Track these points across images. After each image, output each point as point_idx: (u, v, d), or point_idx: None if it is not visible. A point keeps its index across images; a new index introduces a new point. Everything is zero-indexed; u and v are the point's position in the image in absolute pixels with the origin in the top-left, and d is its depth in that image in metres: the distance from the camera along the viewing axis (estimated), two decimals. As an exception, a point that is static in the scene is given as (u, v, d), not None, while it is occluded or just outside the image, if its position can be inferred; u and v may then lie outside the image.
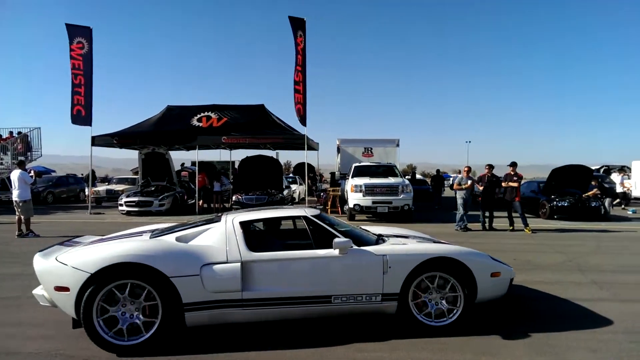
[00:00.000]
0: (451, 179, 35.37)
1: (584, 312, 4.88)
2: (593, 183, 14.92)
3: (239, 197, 15.94)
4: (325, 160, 28.46)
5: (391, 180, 14.02)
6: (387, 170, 15.28)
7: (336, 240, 4.09)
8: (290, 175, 26.17)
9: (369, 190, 13.43)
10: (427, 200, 20.60)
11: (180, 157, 25.60)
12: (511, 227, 11.63)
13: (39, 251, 4.05)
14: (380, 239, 4.73)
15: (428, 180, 28.76)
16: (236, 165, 21.17)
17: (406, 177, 19.28)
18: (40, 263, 3.85)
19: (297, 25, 15.47)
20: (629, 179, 23.27)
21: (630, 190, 22.83)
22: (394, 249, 4.31)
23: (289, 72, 15.67)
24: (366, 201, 13.34)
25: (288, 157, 74.17)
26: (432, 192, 20.83)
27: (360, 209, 13.40)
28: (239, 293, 3.89)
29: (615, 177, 25.36)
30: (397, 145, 18.83)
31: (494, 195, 11.96)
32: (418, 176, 31.32)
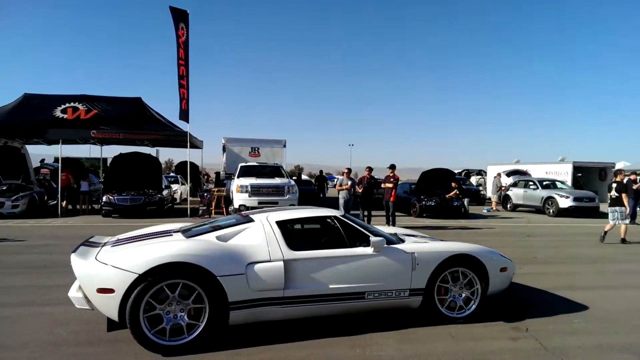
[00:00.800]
0: (335, 179, 36.76)
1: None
2: (453, 185, 16.68)
3: (111, 197, 14.51)
4: (211, 159, 27.53)
5: (277, 180, 14.08)
6: (274, 170, 15.32)
7: (373, 238, 4.28)
8: (172, 174, 24.78)
9: (254, 190, 13.30)
10: (312, 201, 21.14)
11: (41, 153, 22.63)
12: (388, 225, 12.44)
13: (73, 252, 3.86)
14: (399, 238, 4.89)
15: (314, 181, 29.53)
16: (108, 163, 19.37)
17: (292, 177, 19.55)
18: (81, 265, 3.70)
19: (179, 16, 14.68)
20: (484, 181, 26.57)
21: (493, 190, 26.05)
22: (420, 247, 4.61)
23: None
24: (252, 202, 13.20)
25: (170, 155, 70.49)
26: (317, 192, 21.43)
27: (245, 210, 13.19)
28: (281, 291, 3.97)
29: (474, 180, 28.83)
30: (284, 146, 19.00)
31: (372, 196, 12.70)
32: (304, 177, 31.99)
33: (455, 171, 25.60)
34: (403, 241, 4.81)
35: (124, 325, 3.63)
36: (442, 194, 16.34)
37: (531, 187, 19.61)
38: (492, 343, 4.09)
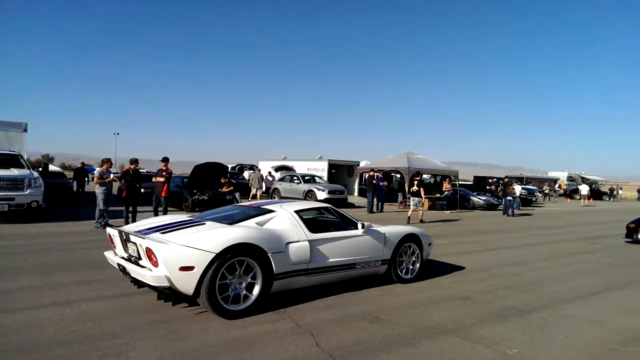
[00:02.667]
0: (95, 172, 32.73)
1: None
2: (222, 180, 16.88)
3: None
4: None
5: (15, 172, 11.49)
6: (10, 159, 12.45)
7: (361, 222, 5.77)
8: None
9: (-21, 184, 10.56)
10: (67, 196, 18.29)
11: None
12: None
13: (144, 240, 4.36)
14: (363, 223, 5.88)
15: (69, 173, 25.56)
16: None
17: (37, 169, 16.41)
18: (163, 249, 4.25)
19: None
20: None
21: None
22: (387, 229, 6.18)
23: None
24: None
25: None
26: (72, 186, 18.63)
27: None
28: (306, 264, 5.07)
29: (247, 174, 29.90)
30: (25, 130, 15.69)
31: (138, 191, 11.69)
32: (53, 168, 27.37)
33: (229, 165, 26.15)
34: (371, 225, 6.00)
35: (189, 299, 4.53)
36: (215, 188, 16.36)
37: (295, 181, 21.60)
38: (257, 328, 4.23)
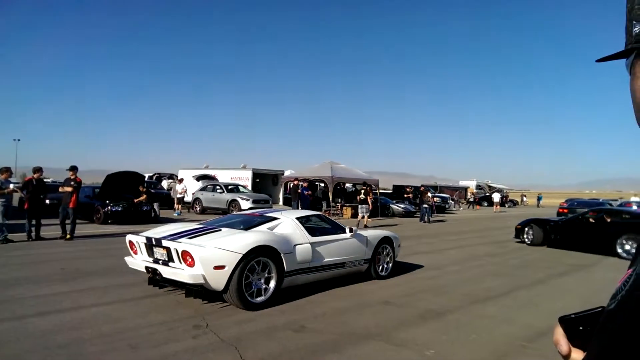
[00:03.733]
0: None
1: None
2: (141, 189, 16.02)
3: None
4: None
5: None
6: None
7: (349, 227, 6.81)
8: None
9: None
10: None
11: None
12: (67, 236, 10.69)
13: (180, 244, 5.11)
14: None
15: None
16: None
17: None
18: (200, 251, 4.94)
19: None
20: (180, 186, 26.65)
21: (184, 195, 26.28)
22: (368, 232, 7.35)
23: None
24: None
25: None
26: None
27: None
28: (308, 263, 5.95)
29: (166, 183, 28.58)
30: None
31: (43, 202, 10.67)
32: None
33: (146, 174, 24.80)
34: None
35: (215, 295, 5.25)
36: (130, 199, 15.43)
37: (218, 191, 21.05)
38: (174, 346, 4.01)
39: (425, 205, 20.73)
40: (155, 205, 16.70)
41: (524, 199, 55.83)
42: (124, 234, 12.00)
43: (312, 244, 6.02)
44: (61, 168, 13.44)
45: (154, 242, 5.42)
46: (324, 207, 21.59)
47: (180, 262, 5.07)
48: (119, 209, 14.84)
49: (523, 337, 4.66)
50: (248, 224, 6.14)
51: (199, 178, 25.53)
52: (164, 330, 4.40)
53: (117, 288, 6.07)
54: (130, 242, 5.87)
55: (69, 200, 10.84)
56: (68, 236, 10.67)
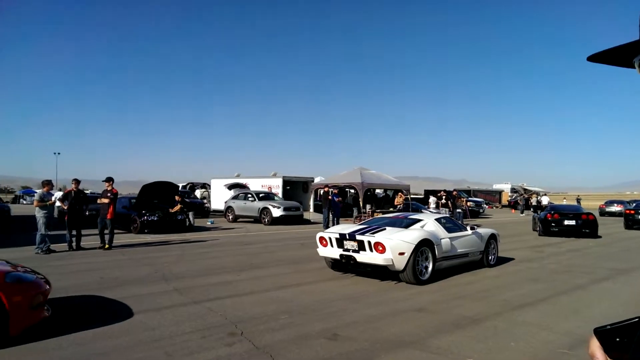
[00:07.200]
0: (35, 195, 30.85)
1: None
2: (177, 198, 16.45)
3: None
4: None
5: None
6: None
7: (469, 225, 9.05)
8: None
9: None
10: (4, 221, 17.05)
11: None
12: (106, 245, 11.03)
13: (374, 238, 7.07)
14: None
15: (9, 197, 23.89)
16: None
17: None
18: (390, 242, 6.92)
19: None
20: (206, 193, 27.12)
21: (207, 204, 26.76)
22: (481, 230, 9.05)
23: None
24: None
25: None
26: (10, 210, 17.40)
27: None
28: (448, 253, 7.81)
29: (199, 193, 29.19)
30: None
31: (82, 213, 11.07)
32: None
33: (180, 184, 25.39)
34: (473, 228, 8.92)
35: (392, 275, 7.32)
36: (165, 208, 15.82)
37: (250, 199, 21.29)
38: (208, 353, 4.05)
39: (458, 210, 20.31)
40: (190, 214, 17.06)
41: (564, 201, 54.13)
42: (160, 243, 12.42)
43: (449, 238, 7.91)
44: (97, 180, 13.93)
45: (346, 237, 7.41)
46: (355, 214, 21.48)
47: (372, 251, 7.02)
48: (155, 219, 15.23)
49: (564, 345, 4.47)
50: (400, 224, 8.05)
51: (230, 187, 25.93)
52: (197, 339, 4.45)
53: (152, 296, 6.21)
54: (322, 237, 7.84)
55: (107, 211, 11.20)
56: (107, 246, 11.02)
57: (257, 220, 20.29)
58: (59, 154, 65.98)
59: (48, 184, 10.72)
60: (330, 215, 18.55)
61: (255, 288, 6.82)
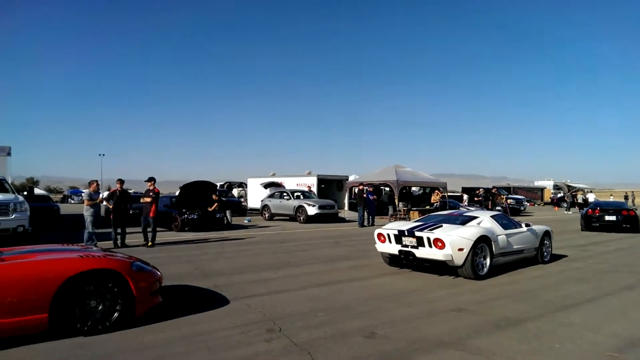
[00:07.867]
0: (83, 194, 32.35)
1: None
2: (214, 197, 16.78)
3: None
4: None
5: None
6: (-6, 184, 12.29)
7: (524, 222, 9.05)
8: None
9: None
10: (53, 219, 18.04)
11: None
12: (149, 243, 11.43)
13: (433, 234, 7.29)
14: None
15: (58, 196, 25.20)
16: None
17: (22, 193, 16.14)
18: (449, 238, 7.09)
19: None
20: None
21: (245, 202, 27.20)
22: (535, 227, 9.03)
23: None
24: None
25: None
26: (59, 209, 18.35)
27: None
28: (504, 249, 7.89)
29: (236, 192, 29.72)
30: (9, 154, 15.52)
31: (127, 211, 11.51)
32: (39, 191, 26.94)
33: (217, 183, 25.95)
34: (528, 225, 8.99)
35: (451, 270, 7.50)
36: (204, 207, 16.23)
37: (285, 197, 21.52)
38: (248, 349, 4.14)
39: (498, 208, 19.78)
40: (227, 213, 17.42)
41: (611, 198, 51.58)
42: (199, 241, 12.75)
43: (505, 235, 8.02)
44: (139, 179, 14.45)
45: (405, 233, 7.63)
46: (390, 212, 21.31)
47: (431, 247, 7.21)
48: (195, 217, 15.66)
49: (611, 347, 4.28)
50: (456, 220, 8.23)
51: (266, 185, 26.27)
52: (236, 334, 4.55)
53: (193, 292, 6.40)
54: (380, 233, 8.07)
55: (149, 210, 11.61)
56: (149, 243, 11.42)
57: (292, 218, 20.48)
58: (103, 155, 68.90)
59: (94, 183, 11.23)
60: (365, 213, 18.48)
61: (292, 285, 6.90)
